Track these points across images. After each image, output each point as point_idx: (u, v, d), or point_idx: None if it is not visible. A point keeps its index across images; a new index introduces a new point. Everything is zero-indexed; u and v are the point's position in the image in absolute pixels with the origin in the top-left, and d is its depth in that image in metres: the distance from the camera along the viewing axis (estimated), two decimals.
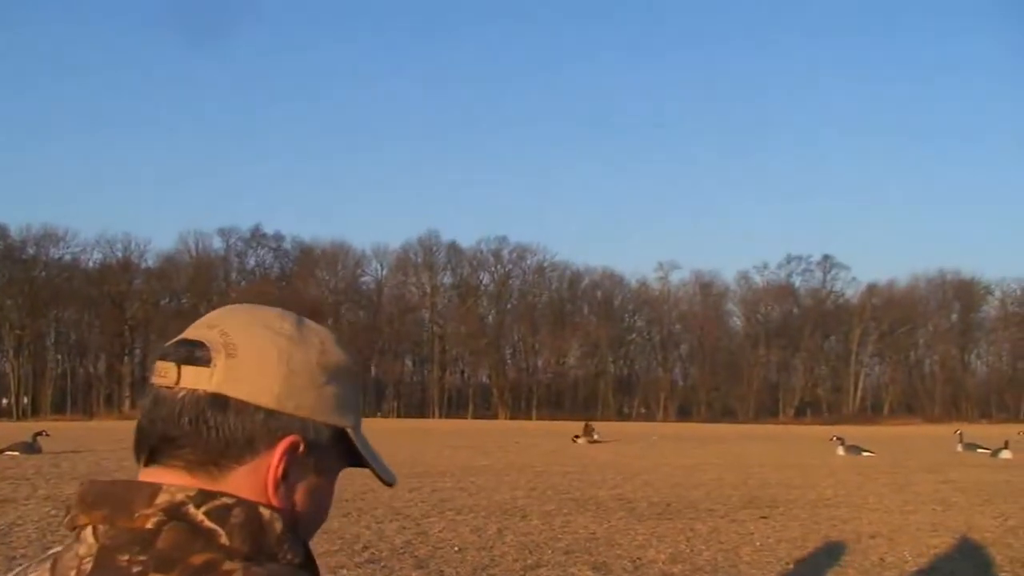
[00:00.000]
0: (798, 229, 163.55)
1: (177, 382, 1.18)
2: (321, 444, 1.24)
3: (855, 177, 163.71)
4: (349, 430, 1.28)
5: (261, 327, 1.24)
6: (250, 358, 1.20)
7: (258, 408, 1.18)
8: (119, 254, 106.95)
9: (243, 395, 1.18)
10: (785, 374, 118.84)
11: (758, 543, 11.01)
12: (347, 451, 1.30)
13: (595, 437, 39.20)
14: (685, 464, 25.10)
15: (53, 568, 1.15)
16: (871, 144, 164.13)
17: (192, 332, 1.22)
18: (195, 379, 1.17)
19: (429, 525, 11.92)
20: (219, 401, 1.17)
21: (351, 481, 17.01)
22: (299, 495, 1.24)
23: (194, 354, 1.18)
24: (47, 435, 28.28)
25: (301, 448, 1.21)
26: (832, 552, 10.43)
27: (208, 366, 1.17)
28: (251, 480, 1.18)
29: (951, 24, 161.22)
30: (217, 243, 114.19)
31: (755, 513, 13.91)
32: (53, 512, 12.29)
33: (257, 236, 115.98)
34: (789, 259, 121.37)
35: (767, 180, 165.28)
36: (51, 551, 1.20)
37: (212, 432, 1.16)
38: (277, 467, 1.19)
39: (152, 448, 1.19)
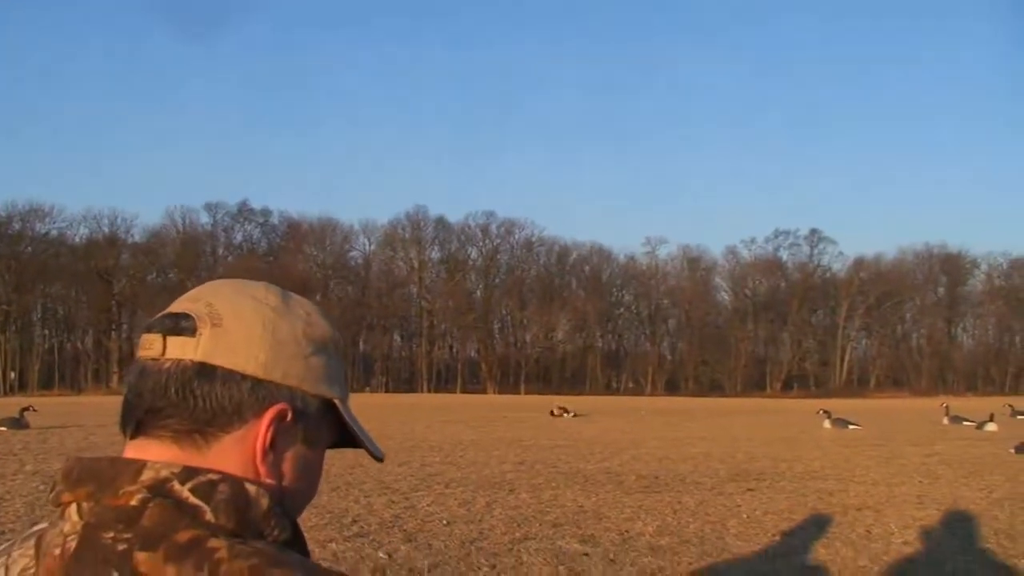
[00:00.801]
0: (786, 204, 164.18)
1: (163, 353, 1.18)
2: (309, 414, 1.24)
3: (843, 152, 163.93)
4: (337, 401, 1.28)
5: (247, 298, 1.24)
6: (236, 327, 1.19)
7: (244, 376, 1.18)
8: (106, 229, 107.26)
9: (229, 364, 1.18)
10: (773, 348, 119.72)
11: (745, 515, 11.05)
12: (335, 423, 1.29)
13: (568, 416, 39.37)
14: (673, 438, 25.18)
15: (37, 545, 1.15)
16: (858, 119, 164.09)
17: (177, 305, 1.22)
18: (181, 349, 1.17)
19: (418, 499, 11.94)
20: (205, 370, 1.17)
21: (340, 456, 17.02)
22: (287, 466, 1.23)
23: (179, 324, 1.18)
24: (34, 410, 28.24)
25: (289, 416, 1.21)
26: (819, 524, 10.48)
27: (193, 336, 1.17)
28: (239, 449, 1.18)
29: (935, 2, 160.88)
30: (204, 218, 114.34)
31: (742, 486, 13.95)
32: (41, 487, 12.29)
33: (244, 211, 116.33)
34: (777, 233, 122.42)
35: (755, 155, 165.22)
36: (35, 528, 1.20)
37: (199, 401, 1.16)
38: (265, 435, 1.19)
39: (139, 421, 1.18)
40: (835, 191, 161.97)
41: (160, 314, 1.22)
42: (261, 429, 1.19)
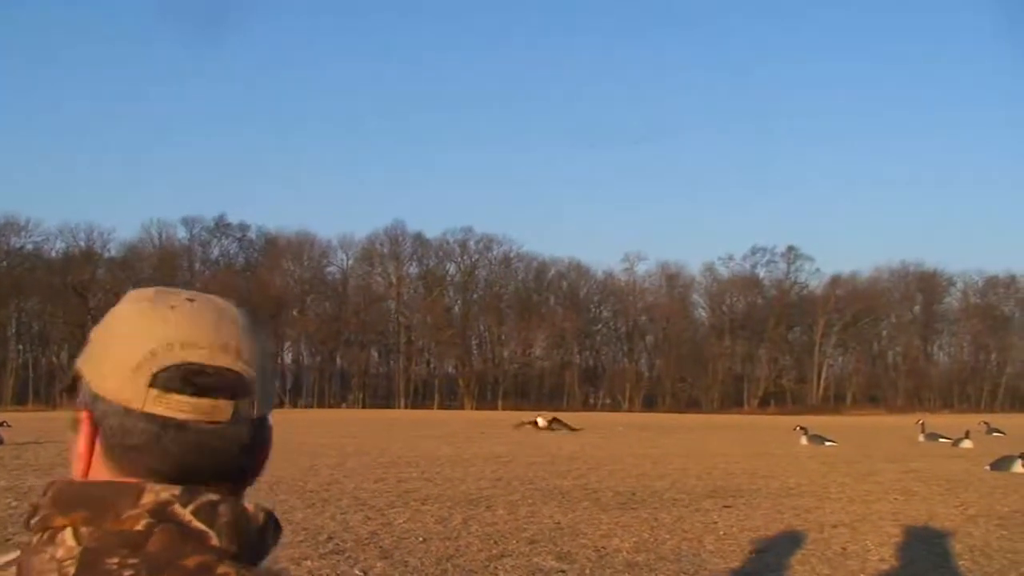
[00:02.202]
0: (763, 221, 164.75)
1: (236, 418, 1.17)
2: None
3: (820, 169, 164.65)
4: None
5: (247, 327, 1.24)
6: (262, 369, 1.21)
7: (268, 415, 1.23)
8: (82, 244, 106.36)
9: (265, 409, 1.22)
10: (750, 365, 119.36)
11: (722, 532, 11.06)
12: None
13: (554, 427, 39.95)
14: (650, 454, 25.18)
15: (19, 574, 1.11)
16: (836, 136, 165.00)
17: (223, 358, 1.18)
18: (248, 411, 1.18)
19: (394, 515, 11.90)
20: (262, 424, 1.22)
21: (316, 472, 17.02)
22: None
23: (242, 386, 1.18)
24: (8, 426, 28.09)
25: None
26: (795, 541, 10.50)
27: (253, 396, 1.19)
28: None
29: (911, 16, 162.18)
30: (181, 233, 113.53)
31: (719, 502, 13.97)
32: (14, 503, 12.19)
33: (221, 226, 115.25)
34: (754, 250, 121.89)
35: (733, 172, 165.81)
36: (8, 557, 1.15)
37: (251, 456, 1.20)
38: (266, 457, 1.25)
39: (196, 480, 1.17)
40: (812, 209, 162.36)
41: (213, 368, 1.18)
42: (266, 447, 1.24)
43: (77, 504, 1.11)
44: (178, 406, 1.13)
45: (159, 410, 1.13)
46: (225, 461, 1.16)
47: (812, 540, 10.56)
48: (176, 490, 1.11)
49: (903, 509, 13.46)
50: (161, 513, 1.09)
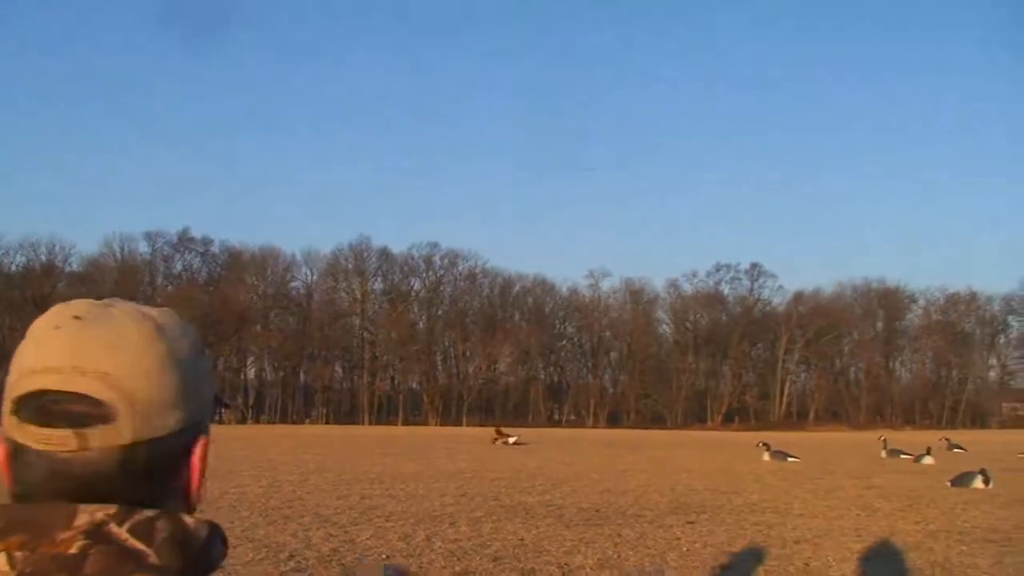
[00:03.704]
0: (727, 238, 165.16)
1: (82, 447, 1.11)
2: (207, 423, 1.24)
3: (784, 186, 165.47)
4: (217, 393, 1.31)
5: (128, 347, 1.16)
6: (145, 394, 1.14)
7: (171, 434, 1.16)
8: (43, 258, 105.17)
9: (157, 432, 1.14)
10: (713, 381, 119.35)
11: (685, 548, 11.09)
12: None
13: (511, 440, 40.47)
14: (614, 470, 25.18)
15: None
16: (799, 152, 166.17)
17: (77, 383, 1.12)
18: (103, 439, 1.11)
19: (357, 532, 11.86)
20: (137, 449, 1.13)
21: (278, 489, 16.91)
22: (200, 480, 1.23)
23: (97, 413, 1.11)
24: None
25: (208, 441, 1.22)
26: (757, 557, 10.55)
27: (115, 422, 1.11)
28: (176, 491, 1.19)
29: (872, 26, 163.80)
30: (143, 247, 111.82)
31: (682, 518, 14.00)
32: None
33: (185, 240, 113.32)
34: (718, 267, 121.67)
35: (697, 188, 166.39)
36: None
37: (134, 479, 1.13)
38: (200, 474, 1.20)
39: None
40: (776, 226, 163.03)
41: (50, 397, 1.13)
42: (195, 471, 1.20)
43: (11, 528, 1.08)
44: (31, 435, 1.11)
45: (20, 438, 1.12)
46: (100, 488, 1.10)
47: (775, 556, 10.61)
48: (111, 509, 1.08)
49: (865, 525, 13.54)
50: (96, 534, 1.07)
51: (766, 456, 30.51)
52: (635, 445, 45.04)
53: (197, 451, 1.19)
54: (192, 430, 1.18)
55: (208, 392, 1.24)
